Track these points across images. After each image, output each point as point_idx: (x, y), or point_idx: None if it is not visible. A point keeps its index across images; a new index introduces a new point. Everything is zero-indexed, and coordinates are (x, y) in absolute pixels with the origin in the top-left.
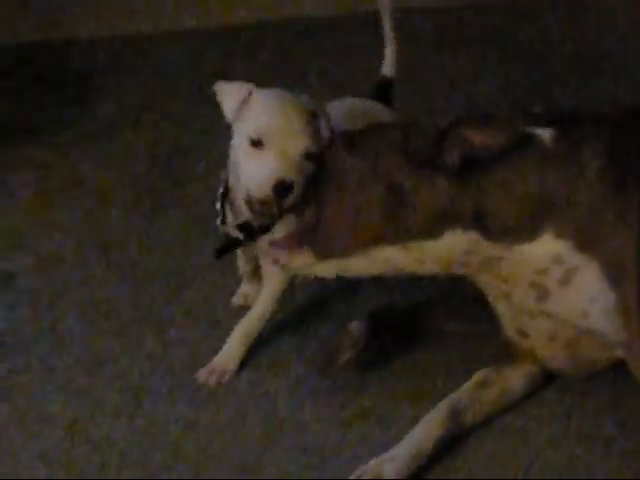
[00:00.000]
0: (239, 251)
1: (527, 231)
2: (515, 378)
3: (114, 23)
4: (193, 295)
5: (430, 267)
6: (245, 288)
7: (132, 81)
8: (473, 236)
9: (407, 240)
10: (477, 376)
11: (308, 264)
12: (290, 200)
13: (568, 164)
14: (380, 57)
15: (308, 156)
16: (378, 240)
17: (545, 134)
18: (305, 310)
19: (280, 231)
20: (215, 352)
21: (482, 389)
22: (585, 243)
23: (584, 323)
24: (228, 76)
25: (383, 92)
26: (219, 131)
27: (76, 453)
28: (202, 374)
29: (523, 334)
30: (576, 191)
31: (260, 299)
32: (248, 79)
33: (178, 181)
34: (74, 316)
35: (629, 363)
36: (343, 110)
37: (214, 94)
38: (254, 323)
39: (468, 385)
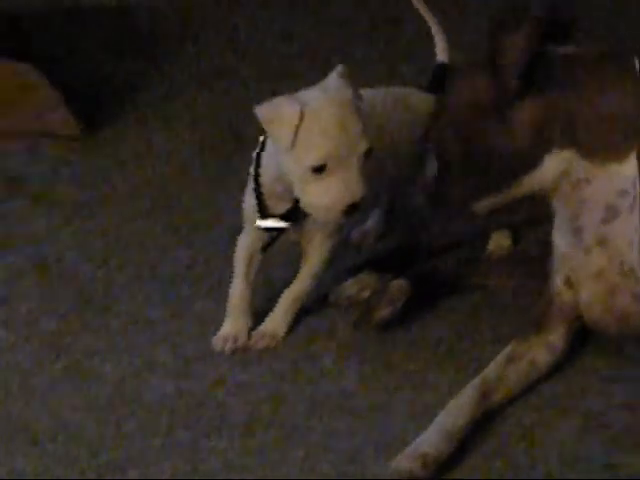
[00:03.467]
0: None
1: (618, 151)
2: (540, 351)
3: None
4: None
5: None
6: (230, 327)
7: (205, 47)
8: (568, 154)
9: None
10: (506, 350)
11: None
12: (360, 212)
13: None
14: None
15: (368, 154)
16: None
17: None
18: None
19: None
20: (266, 314)
21: (511, 364)
22: None
23: (628, 257)
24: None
25: (439, 79)
26: None
27: (124, 411)
28: (252, 338)
29: (569, 284)
30: None
31: (310, 263)
32: None
33: (245, 147)
34: (127, 276)
35: None
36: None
37: (260, 118)
38: (305, 287)
39: (499, 360)
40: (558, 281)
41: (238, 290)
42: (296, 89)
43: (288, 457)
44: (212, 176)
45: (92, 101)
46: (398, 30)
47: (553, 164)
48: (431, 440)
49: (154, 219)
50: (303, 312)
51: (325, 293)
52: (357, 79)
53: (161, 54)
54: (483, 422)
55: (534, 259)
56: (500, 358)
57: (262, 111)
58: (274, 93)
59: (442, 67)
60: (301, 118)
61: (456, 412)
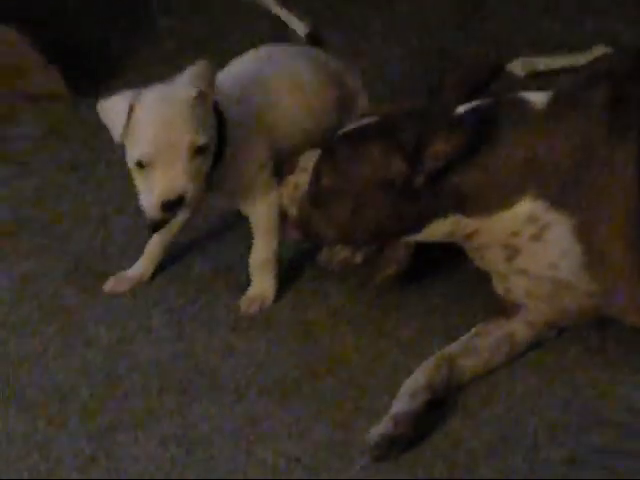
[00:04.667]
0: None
1: (507, 200)
2: (520, 326)
3: None
4: (245, 225)
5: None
6: (137, 269)
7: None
8: (453, 219)
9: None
10: (480, 327)
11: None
12: (186, 207)
13: (561, 127)
14: None
15: (200, 150)
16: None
17: (538, 98)
18: None
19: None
20: None
21: (477, 338)
22: (562, 201)
23: (555, 275)
24: None
25: (314, 39)
26: None
27: (117, 375)
28: (243, 303)
29: (508, 291)
30: (566, 153)
31: (256, 227)
32: None
33: None
34: (124, 239)
35: (607, 312)
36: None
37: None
38: (264, 250)
39: (467, 337)
40: (500, 290)
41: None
42: None
43: (278, 423)
44: None
45: (78, 64)
46: None
47: (439, 227)
48: (401, 401)
49: None
50: (295, 278)
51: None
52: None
53: (150, 17)
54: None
55: None
56: (472, 334)
57: (100, 105)
58: None
59: (311, 35)
60: (129, 114)
61: (419, 373)
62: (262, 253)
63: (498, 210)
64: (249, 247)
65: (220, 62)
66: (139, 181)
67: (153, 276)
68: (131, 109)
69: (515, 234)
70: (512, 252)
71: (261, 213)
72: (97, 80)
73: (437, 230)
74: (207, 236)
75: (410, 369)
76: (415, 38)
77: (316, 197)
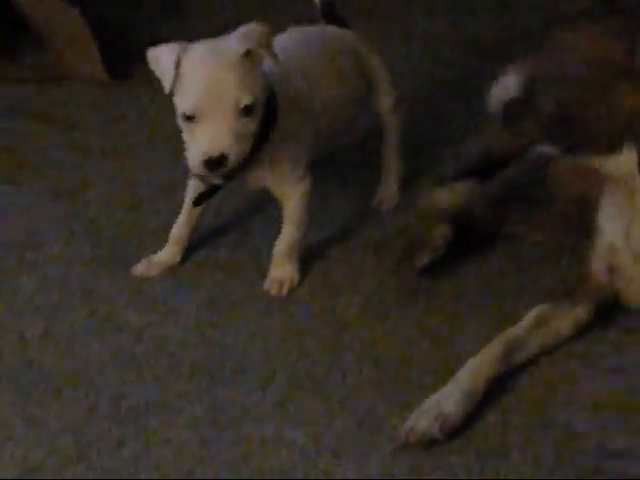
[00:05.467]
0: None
1: None
2: (566, 321)
3: None
4: (271, 211)
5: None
6: (165, 253)
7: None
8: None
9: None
10: (535, 312)
11: None
12: (228, 169)
13: None
14: None
15: (246, 111)
16: None
17: None
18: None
19: None
20: None
21: (538, 328)
22: None
23: None
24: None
25: (329, 14)
26: None
27: (146, 359)
28: (268, 284)
29: (611, 271)
30: None
31: (288, 213)
32: None
33: None
34: (154, 224)
35: None
36: (296, 41)
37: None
38: (291, 238)
39: (527, 322)
40: (599, 266)
41: (181, 223)
42: None
43: (305, 410)
44: None
45: (114, 49)
46: None
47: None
48: (451, 401)
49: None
50: (326, 266)
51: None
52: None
53: (184, 4)
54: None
55: (570, 216)
56: (528, 320)
57: (149, 55)
58: None
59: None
60: (177, 65)
61: (478, 372)
62: (290, 239)
63: None
64: (276, 232)
65: None
66: (187, 135)
67: (182, 260)
68: (178, 61)
69: None
70: None
71: (295, 200)
72: (127, 64)
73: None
74: (233, 221)
75: (437, 357)
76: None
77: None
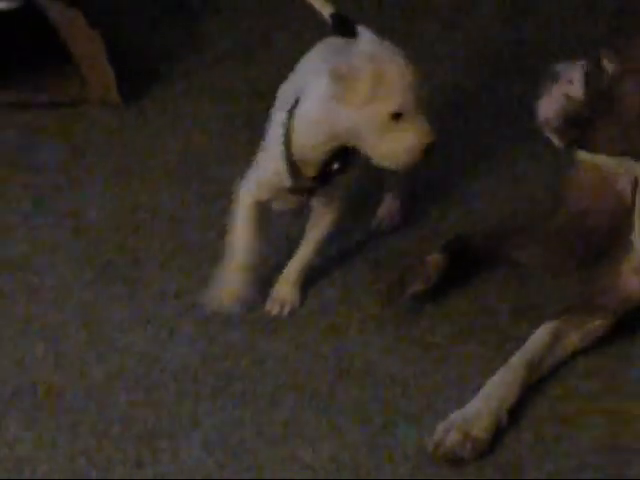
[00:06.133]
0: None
1: None
2: (579, 335)
3: None
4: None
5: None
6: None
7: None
8: None
9: None
10: (550, 329)
11: None
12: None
13: None
14: None
15: None
16: None
17: None
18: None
19: None
20: None
21: (556, 342)
22: None
23: None
24: None
25: (343, 28)
26: None
27: (152, 381)
28: (269, 305)
29: None
30: None
31: (320, 229)
32: None
33: None
34: (157, 246)
35: None
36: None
37: (335, 78)
38: (313, 254)
39: (543, 339)
40: (632, 277)
41: (241, 244)
42: None
43: (316, 426)
44: (247, 146)
45: (127, 70)
46: None
47: None
48: (481, 424)
49: (187, 189)
50: (326, 284)
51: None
52: None
53: (195, 24)
54: None
55: (567, 238)
56: (546, 336)
57: (337, 72)
58: None
59: (336, 16)
60: (374, 73)
61: (506, 392)
62: (305, 260)
63: None
64: (276, 251)
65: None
66: (389, 135)
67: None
68: (374, 69)
69: None
70: None
71: (327, 222)
72: (136, 86)
73: None
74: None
75: (439, 375)
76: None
77: (597, 92)
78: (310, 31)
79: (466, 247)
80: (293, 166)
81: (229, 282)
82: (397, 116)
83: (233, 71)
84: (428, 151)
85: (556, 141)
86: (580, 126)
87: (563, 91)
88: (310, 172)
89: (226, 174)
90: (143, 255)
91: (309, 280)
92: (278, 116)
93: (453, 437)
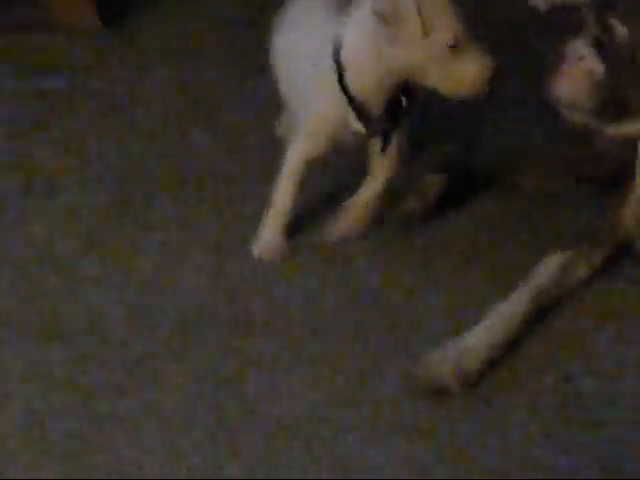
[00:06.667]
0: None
1: None
2: (583, 266)
3: None
4: None
5: None
6: (271, 237)
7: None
8: None
9: None
10: (558, 260)
11: None
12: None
13: None
14: None
15: None
16: None
17: None
18: None
19: None
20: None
21: (562, 275)
22: None
23: None
24: None
25: None
26: None
27: (155, 305)
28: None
29: None
30: None
31: (388, 165)
32: None
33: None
34: (166, 174)
35: None
36: None
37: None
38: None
39: (550, 270)
40: (630, 219)
41: (287, 200)
42: None
43: (314, 354)
44: (238, 73)
45: None
46: None
47: None
48: (479, 356)
49: (192, 118)
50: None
51: None
52: None
53: None
54: None
55: (573, 164)
56: (552, 266)
57: (382, 13)
58: None
59: None
60: (420, 8)
61: (508, 325)
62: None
63: None
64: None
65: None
66: (452, 66)
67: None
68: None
69: None
70: None
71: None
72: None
73: None
74: (248, 173)
75: (440, 304)
76: None
77: (619, 59)
78: None
79: (466, 169)
80: (359, 110)
81: (271, 239)
82: (454, 47)
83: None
84: (493, 78)
85: (592, 122)
86: (615, 100)
87: (582, 69)
88: (376, 112)
89: (227, 104)
90: (154, 183)
91: (318, 210)
92: (315, 70)
93: (446, 368)
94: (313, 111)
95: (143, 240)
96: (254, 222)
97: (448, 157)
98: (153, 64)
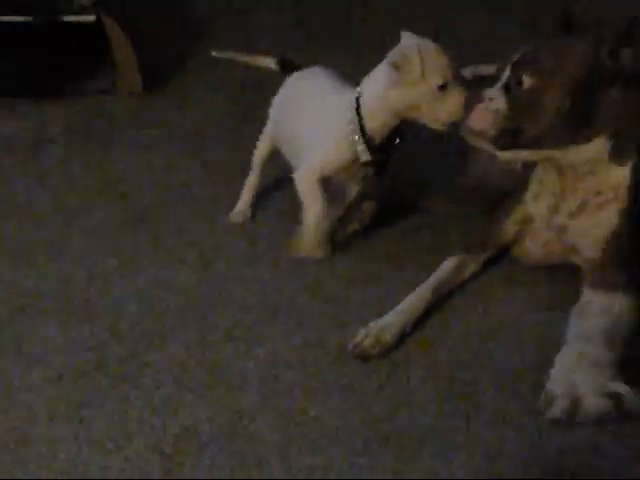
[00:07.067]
0: (256, 163)
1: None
2: (473, 265)
3: None
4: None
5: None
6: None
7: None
8: (602, 144)
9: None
10: (455, 261)
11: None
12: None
13: None
14: None
15: None
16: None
17: None
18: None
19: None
20: None
21: (457, 272)
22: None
23: (574, 242)
24: None
25: (290, 66)
26: None
27: (160, 295)
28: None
29: (520, 236)
30: None
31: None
32: None
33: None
34: (177, 200)
35: (585, 271)
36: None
37: (394, 67)
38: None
39: (448, 268)
40: (513, 228)
41: (251, 181)
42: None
43: (269, 332)
44: (240, 126)
45: (146, 66)
46: None
47: (594, 147)
48: (390, 331)
49: (199, 158)
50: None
51: None
52: None
53: (204, 26)
54: None
55: (468, 192)
56: (449, 267)
57: (395, 63)
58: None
59: (281, 60)
60: (421, 58)
61: (414, 309)
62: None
63: (621, 165)
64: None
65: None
66: (440, 102)
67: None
68: (420, 52)
69: (616, 187)
70: (583, 208)
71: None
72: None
73: (592, 150)
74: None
75: (369, 294)
76: None
77: (520, 102)
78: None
79: (391, 197)
80: (368, 144)
81: (310, 243)
82: (443, 87)
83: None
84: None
85: (491, 148)
86: (510, 133)
87: (489, 107)
88: (378, 146)
89: (225, 145)
90: (166, 206)
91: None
92: (338, 117)
93: (368, 340)
94: (325, 149)
95: (150, 247)
96: (243, 236)
97: (379, 188)
98: (176, 115)
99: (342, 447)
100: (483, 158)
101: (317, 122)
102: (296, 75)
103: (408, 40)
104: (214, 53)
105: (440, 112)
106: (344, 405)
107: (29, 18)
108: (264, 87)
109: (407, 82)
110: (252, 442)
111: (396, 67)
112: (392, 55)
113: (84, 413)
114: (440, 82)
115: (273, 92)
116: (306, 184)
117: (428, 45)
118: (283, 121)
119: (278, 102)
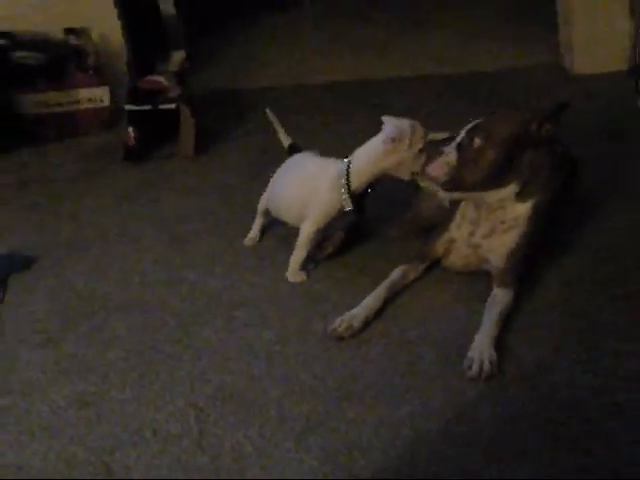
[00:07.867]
0: (259, 211)
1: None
2: (414, 272)
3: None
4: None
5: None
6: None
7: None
8: (512, 189)
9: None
10: (401, 269)
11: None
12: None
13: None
14: None
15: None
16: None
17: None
18: None
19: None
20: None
21: (403, 277)
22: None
23: (486, 256)
24: None
25: (294, 150)
26: None
27: (170, 294)
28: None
29: (447, 252)
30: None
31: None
32: None
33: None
34: (204, 228)
35: (493, 275)
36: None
37: (391, 140)
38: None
39: (397, 274)
40: (441, 247)
41: (257, 220)
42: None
43: (276, 320)
44: (255, 179)
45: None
46: None
47: (507, 190)
48: (358, 319)
49: (226, 202)
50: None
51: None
52: None
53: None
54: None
55: (414, 223)
56: (398, 273)
57: (392, 137)
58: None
59: (292, 145)
60: (411, 132)
61: (374, 303)
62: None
63: (519, 202)
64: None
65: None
66: (417, 162)
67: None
68: (412, 129)
69: (515, 219)
70: (493, 231)
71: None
72: (201, 146)
73: (505, 192)
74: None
75: (345, 296)
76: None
77: (467, 157)
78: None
79: (357, 228)
80: (351, 197)
81: (293, 272)
82: (421, 150)
83: (262, 135)
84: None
85: (438, 189)
86: (455, 179)
87: (444, 160)
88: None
89: (248, 200)
90: (195, 232)
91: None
92: (331, 182)
93: (342, 326)
94: (322, 205)
95: (189, 257)
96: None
97: (348, 222)
98: (214, 172)
99: (322, 400)
100: (422, 199)
101: (316, 185)
102: (296, 156)
103: (391, 120)
104: (267, 110)
105: (415, 167)
106: (325, 370)
107: (147, 107)
108: (275, 153)
109: (399, 149)
110: (260, 396)
111: (393, 140)
112: (389, 132)
113: (142, 382)
114: (420, 147)
115: (280, 157)
116: (310, 231)
117: (413, 123)
118: (281, 190)
119: (278, 178)
